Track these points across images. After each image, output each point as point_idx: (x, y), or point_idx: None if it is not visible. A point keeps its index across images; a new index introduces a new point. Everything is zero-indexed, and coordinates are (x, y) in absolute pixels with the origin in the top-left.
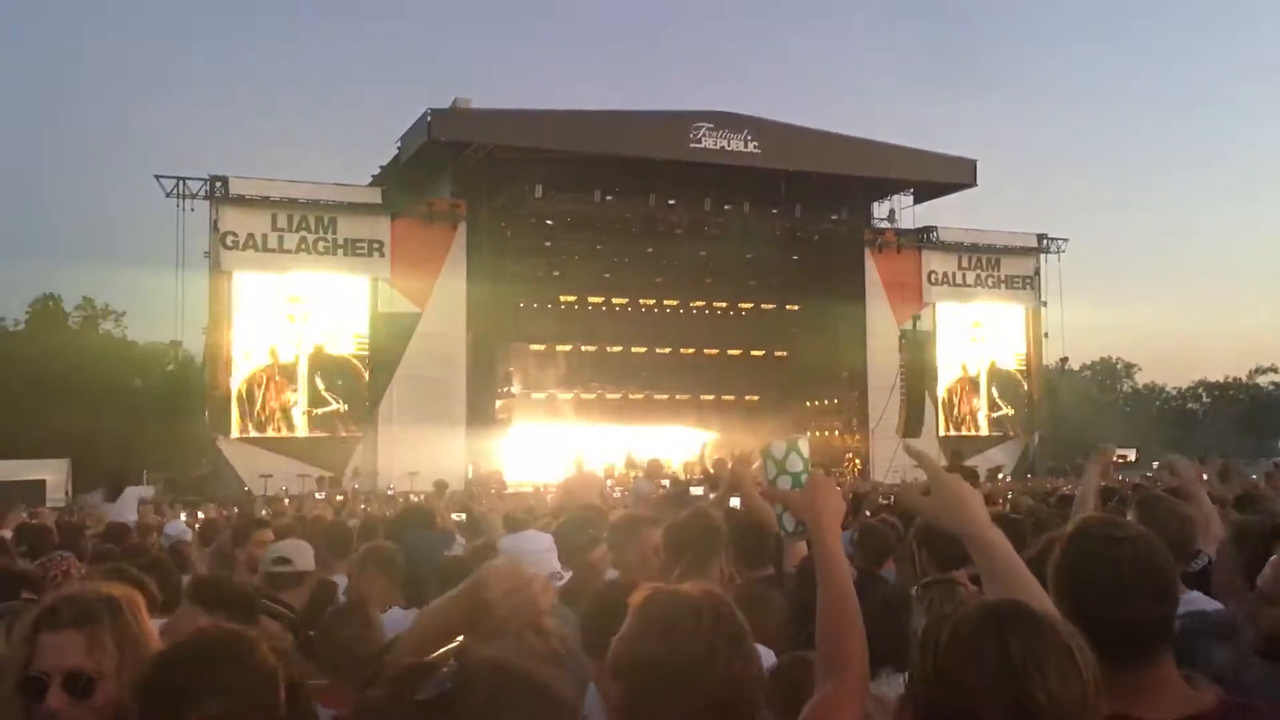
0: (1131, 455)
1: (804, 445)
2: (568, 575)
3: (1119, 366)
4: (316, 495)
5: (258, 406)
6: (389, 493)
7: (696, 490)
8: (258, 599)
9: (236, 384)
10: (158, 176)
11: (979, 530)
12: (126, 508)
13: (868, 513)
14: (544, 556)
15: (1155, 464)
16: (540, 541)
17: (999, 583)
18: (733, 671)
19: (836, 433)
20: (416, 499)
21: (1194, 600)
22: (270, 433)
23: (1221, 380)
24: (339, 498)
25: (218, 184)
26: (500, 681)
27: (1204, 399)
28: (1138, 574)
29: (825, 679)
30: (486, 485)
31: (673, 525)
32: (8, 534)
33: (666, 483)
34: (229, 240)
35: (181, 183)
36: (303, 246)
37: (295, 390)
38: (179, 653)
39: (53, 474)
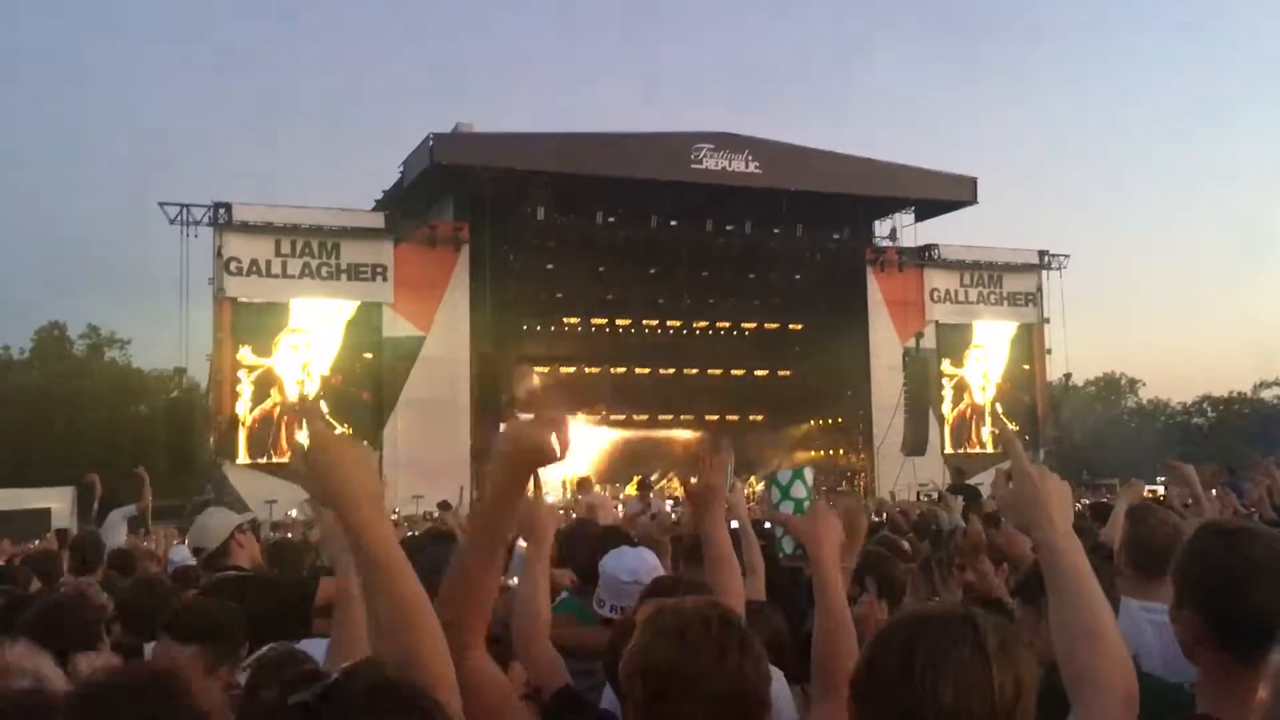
0: (1161, 490)
1: (809, 473)
2: None
3: (1123, 382)
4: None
5: (269, 444)
6: (394, 516)
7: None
8: (238, 626)
9: (246, 421)
10: (161, 204)
11: (1047, 536)
12: (113, 532)
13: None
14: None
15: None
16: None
17: (1061, 598)
18: (744, 671)
19: (841, 451)
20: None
21: None
22: (275, 458)
23: (1226, 395)
24: None
25: (221, 210)
26: (375, 685)
27: (1209, 414)
28: (1263, 567)
29: (819, 702)
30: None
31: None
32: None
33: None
34: (233, 266)
35: (185, 210)
36: (306, 272)
37: (303, 430)
38: None
39: (57, 502)
